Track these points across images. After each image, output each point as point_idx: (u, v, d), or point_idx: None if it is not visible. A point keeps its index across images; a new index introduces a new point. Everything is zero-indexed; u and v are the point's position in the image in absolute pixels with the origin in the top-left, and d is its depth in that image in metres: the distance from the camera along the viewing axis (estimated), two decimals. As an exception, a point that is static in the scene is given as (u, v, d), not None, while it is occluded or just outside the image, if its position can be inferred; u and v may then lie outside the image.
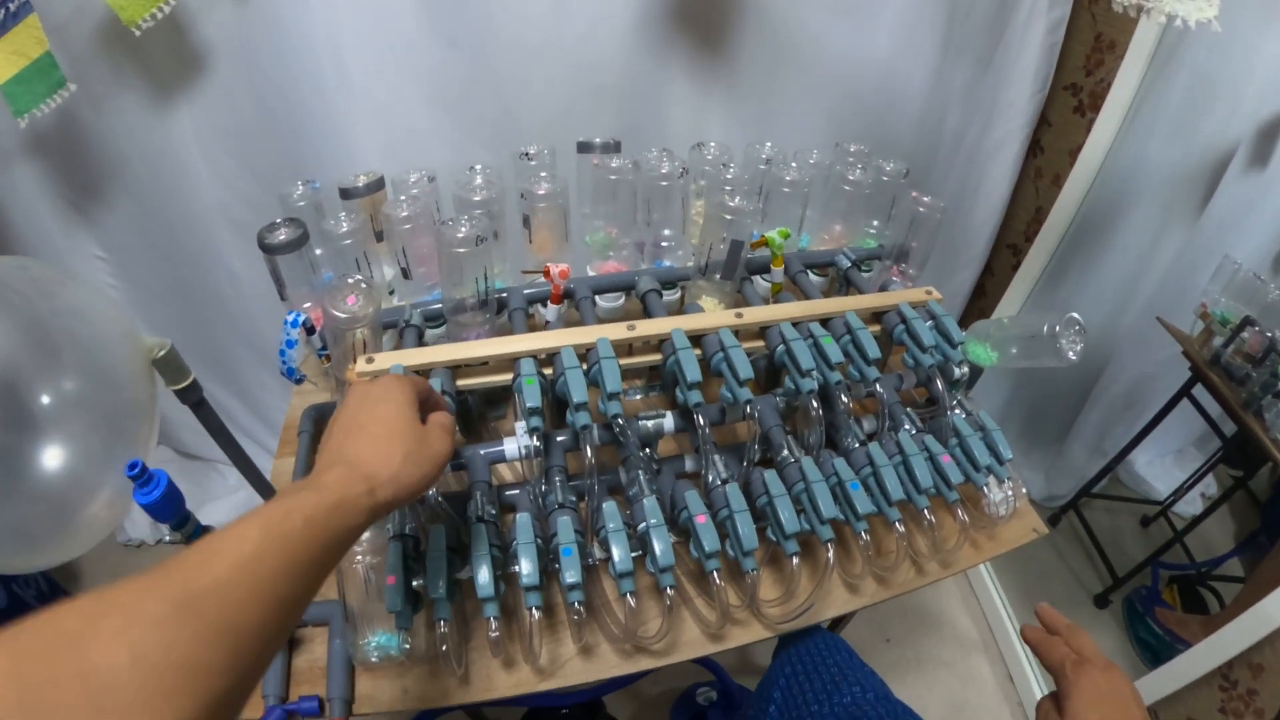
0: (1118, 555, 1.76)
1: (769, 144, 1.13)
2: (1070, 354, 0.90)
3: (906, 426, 0.91)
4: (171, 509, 0.67)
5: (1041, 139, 1.69)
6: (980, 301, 1.92)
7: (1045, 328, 0.91)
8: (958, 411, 0.94)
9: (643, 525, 0.73)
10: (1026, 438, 1.96)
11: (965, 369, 0.97)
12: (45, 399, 0.57)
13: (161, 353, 0.75)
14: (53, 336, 0.60)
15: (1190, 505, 1.68)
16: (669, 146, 1.05)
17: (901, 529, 0.83)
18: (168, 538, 0.70)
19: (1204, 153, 1.38)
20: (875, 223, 1.17)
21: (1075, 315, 0.91)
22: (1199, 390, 1.49)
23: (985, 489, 0.90)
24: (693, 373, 0.78)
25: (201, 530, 0.73)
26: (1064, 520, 1.87)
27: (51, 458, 0.57)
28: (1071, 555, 1.86)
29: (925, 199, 1.03)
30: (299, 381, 0.97)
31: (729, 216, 0.89)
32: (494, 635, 0.69)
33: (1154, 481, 1.87)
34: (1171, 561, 1.64)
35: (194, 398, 0.87)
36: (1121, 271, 1.61)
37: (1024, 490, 0.95)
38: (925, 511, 0.84)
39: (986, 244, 1.78)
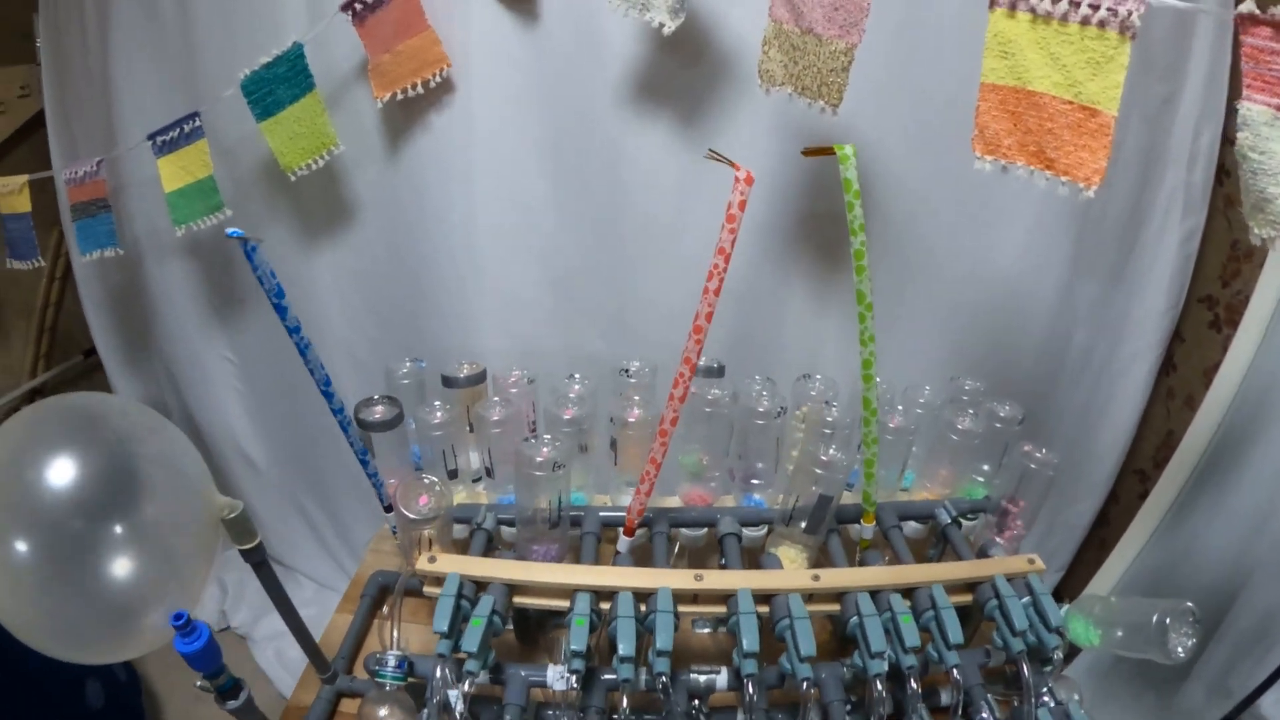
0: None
1: (878, 380, 1.10)
2: (1179, 651, 0.82)
3: (984, 715, 0.83)
4: (208, 660, 0.69)
5: (1174, 355, 1.57)
6: (1102, 531, 1.77)
7: (1155, 618, 0.82)
8: (1046, 699, 0.84)
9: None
10: (1139, 678, 1.75)
11: (1060, 653, 0.88)
12: (118, 528, 0.60)
13: (232, 514, 0.77)
14: (135, 476, 0.64)
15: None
16: (780, 366, 1.05)
17: None
18: (198, 685, 0.73)
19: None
20: (985, 467, 1.10)
21: (1190, 605, 0.83)
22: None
23: None
24: (751, 642, 0.74)
25: (233, 684, 0.74)
26: (1178, 774, 1.63)
27: (120, 569, 0.61)
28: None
29: (1039, 453, 0.97)
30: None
31: (820, 470, 0.86)
32: None
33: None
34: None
35: (257, 559, 0.90)
36: (1259, 491, 1.43)
37: None
38: None
39: (1112, 471, 1.65)
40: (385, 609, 1.02)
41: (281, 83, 1.26)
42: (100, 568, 0.60)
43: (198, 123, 1.34)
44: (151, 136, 1.38)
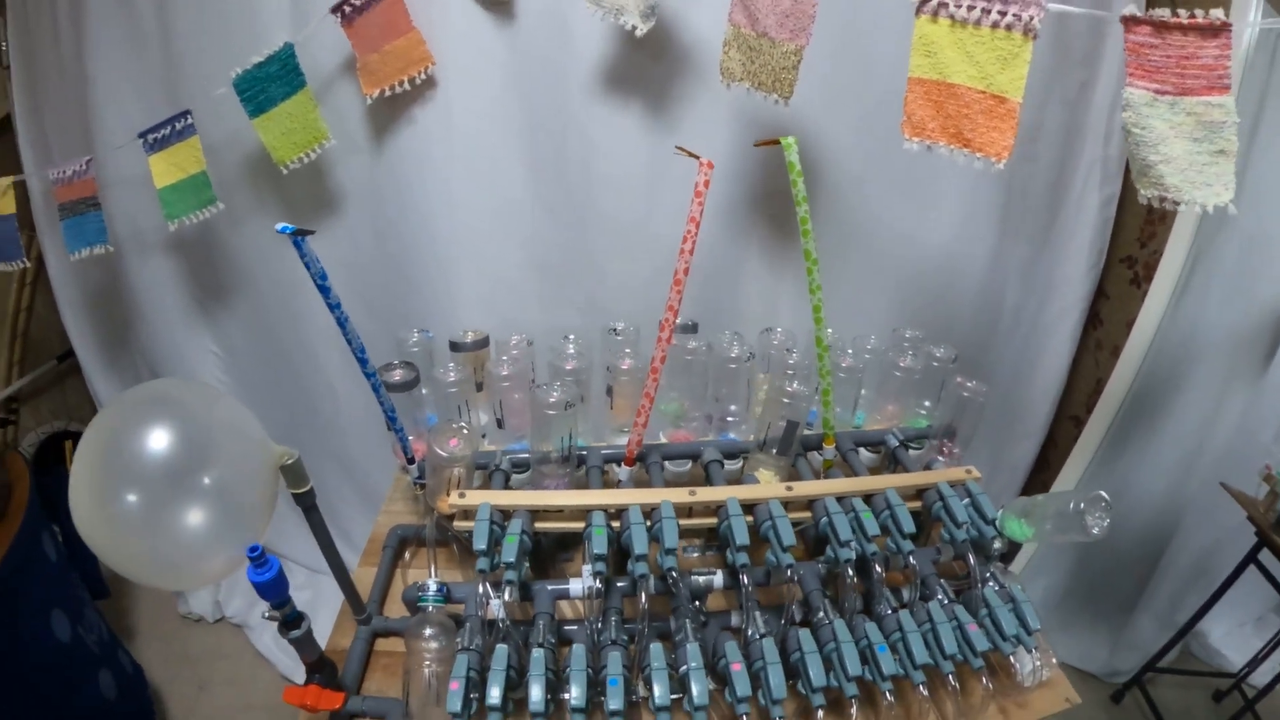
0: (1187, 733, 1.74)
1: (830, 330, 1.31)
2: (1095, 530, 0.99)
3: (939, 597, 1.03)
4: (278, 590, 0.84)
5: (1100, 311, 1.82)
6: (1043, 474, 2.02)
7: (1072, 505, 1.01)
8: (991, 584, 1.05)
9: (684, 668, 0.87)
10: (1090, 610, 1.99)
11: (1000, 543, 1.08)
12: (205, 480, 0.77)
13: (289, 461, 0.93)
14: (208, 438, 0.80)
15: (1267, 675, 1.69)
16: (742, 326, 1.25)
17: (925, 692, 0.93)
18: (265, 615, 0.86)
19: (1262, 312, 1.48)
20: (927, 403, 1.32)
21: (1102, 493, 1.01)
22: (1266, 555, 1.54)
23: (1013, 658, 1.01)
24: (741, 537, 0.94)
25: (297, 615, 0.88)
26: (1128, 697, 1.88)
27: (194, 518, 0.76)
28: (1136, 735, 1.86)
29: (969, 384, 1.19)
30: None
31: (786, 400, 1.07)
32: None
33: (1230, 653, 1.87)
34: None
35: (308, 502, 1.05)
36: (1184, 438, 1.68)
37: (1054, 660, 1.05)
38: (950, 677, 0.95)
39: (1046, 416, 1.90)
40: (408, 555, 1.19)
41: (273, 81, 1.41)
42: (188, 513, 0.76)
43: (189, 120, 1.47)
44: (143, 134, 1.50)
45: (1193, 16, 0.94)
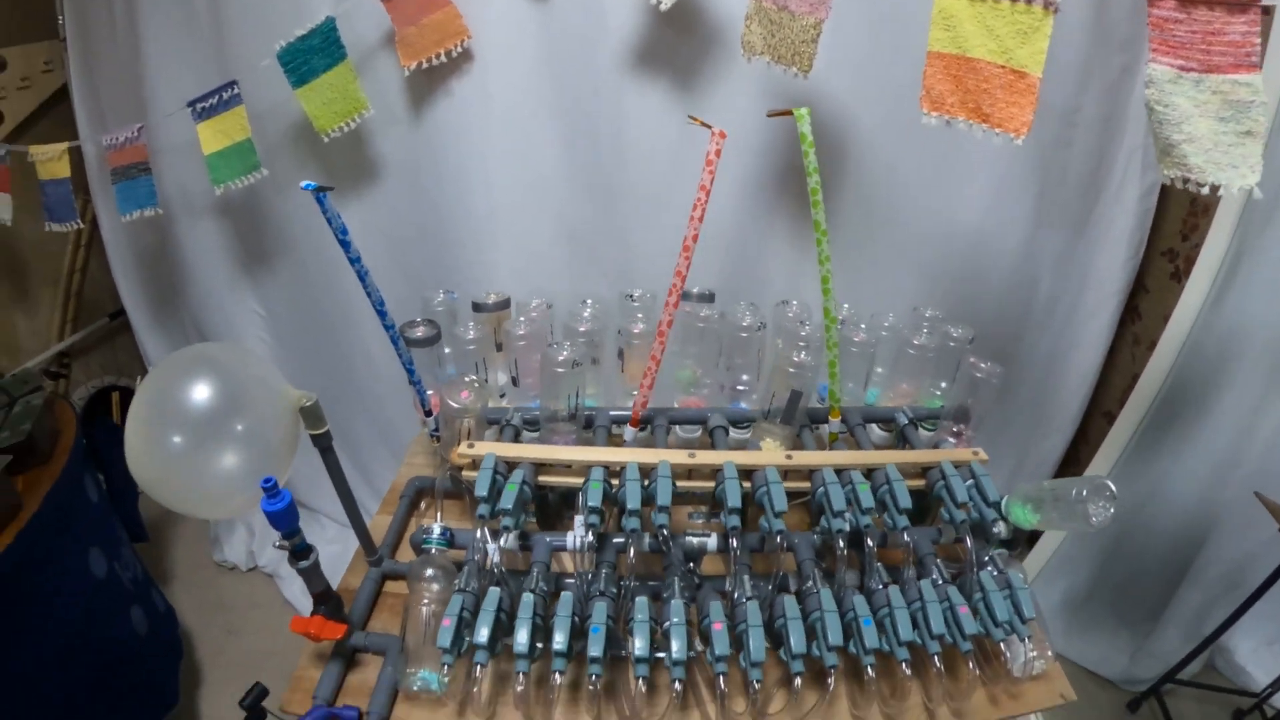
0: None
1: (846, 305, 1.34)
2: (1094, 519, 1.00)
3: (934, 576, 1.04)
4: (288, 521, 0.90)
5: (1139, 305, 1.80)
6: (1073, 469, 2.00)
7: (1074, 492, 1.01)
8: (990, 569, 1.05)
9: (666, 624, 0.91)
10: (1113, 615, 1.97)
11: (1002, 528, 1.09)
12: (238, 426, 0.87)
13: (308, 403, 0.99)
14: (242, 391, 0.90)
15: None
16: (765, 300, 1.28)
17: (909, 671, 0.94)
18: (275, 544, 0.95)
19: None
20: (943, 384, 1.33)
21: (1108, 482, 1.01)
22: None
23: (1005, 645, 1.02)
24: (734, 500, 0.97)
25: (305, 547, 0.95)
26: (1144, 707, 1.86)
27: (227, 462, 0.87)
28: (1150, 747, 1.84)
29: (983, 364, 1.19)
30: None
31: (792, 370, 1.10)
32: (519, 689, 0.88)
33: (1255, 671, 1.83)
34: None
35: (324, 444, 1.11)
36: (1220, 443, 1.64)
37: (1050, 653, 1.04)
38: (935, 658, 0.96)
39: (1078, 411, 1.88)
40: (424, 504, 1.25)
41: (315, 53, 1.48)
42: (223, 452, 0.87)
43: (236, 90, 1.56)
44: (191, 103, 1.59)
45: (1220, -9, 0.92)
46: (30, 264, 2.22)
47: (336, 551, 2.08)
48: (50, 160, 1.78)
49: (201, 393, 0.86)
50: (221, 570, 2.30)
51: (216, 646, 2.05)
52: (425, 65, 1.48)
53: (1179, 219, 1.68)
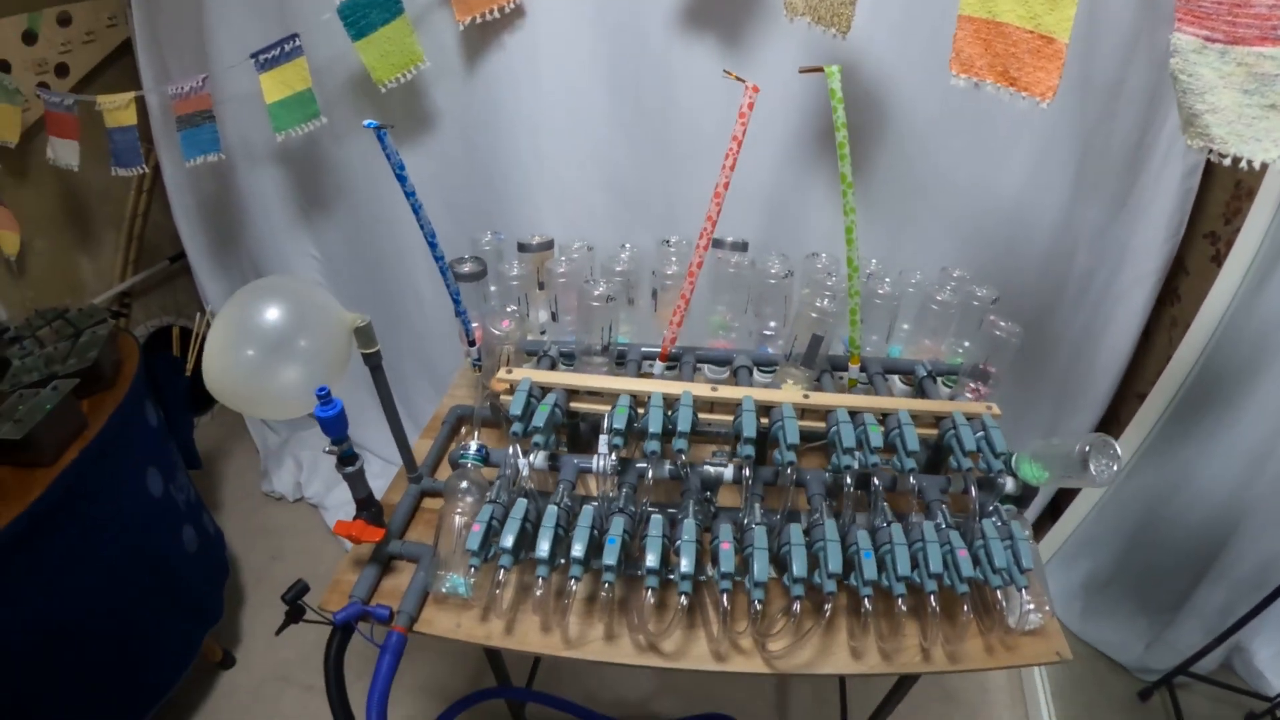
0: (1208, 749, 1.70)
1: (874, 260, 1.39)
2: (1097, 473, 1.03)
3: (938, 520, 1.09)
4: (338, 427, 1.01)
5: (1179, 287, 1.80)
6: (1102, 449, 2.01)
7: (1077, 448, 1.04)
8: (994, 519, 1.09)
9: (678, 541, 0.99)
10: (1133, 601, 1.96)
11: (1007, 480, 1.14)
12: (301, 343, 0.99)
13: (361, 324, 1.08)
14: (306, 314, 1.01)
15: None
16: (800, 254, 1.34)
17: (905, 607, 1.00)
18: (325, 450, 1.06)
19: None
20: (966, 343, 1.37)
21: (1111, 439, 1.03)
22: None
23: (1001, 594, 1.07)
24: (749, 430, 1.04)
25: (352, 454, 1.05)
26: (1156, 696, 1.87)
27: (290, 375, 0.98)
28: (1158, 737, 1.85)
29: (1003, 323, 1.23)
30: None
31: (815, 315, 1.17)
32: (539, 594, 0.97)
33: (1274, 677, 1.81)
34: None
35: (375, 362, 1.19)
36: (1255, 434, 1.62)
37: (1047, 608, 1.07)
38: (932, 597, 1.00)
39: (1108, 389, 1.90)
40: (463, 430, 1.35)
41: (374, 7, 1.58)
42: (288, 364, 0.98)
43: (298, 42, 1.66)
44: (254, 55, 1.70)
45: (1246, -40, 0.94)
46: (95, 209, 2.36)
47: (381, 486, 2.20)
48: (117, 109, 1.90)
49: (273, 314, 0.98)
50: (269, 500, 2.45)
51: (260, 569, 2.19)
52: (479, 20, 1.57)
53: (1222, 201, 1.68)
